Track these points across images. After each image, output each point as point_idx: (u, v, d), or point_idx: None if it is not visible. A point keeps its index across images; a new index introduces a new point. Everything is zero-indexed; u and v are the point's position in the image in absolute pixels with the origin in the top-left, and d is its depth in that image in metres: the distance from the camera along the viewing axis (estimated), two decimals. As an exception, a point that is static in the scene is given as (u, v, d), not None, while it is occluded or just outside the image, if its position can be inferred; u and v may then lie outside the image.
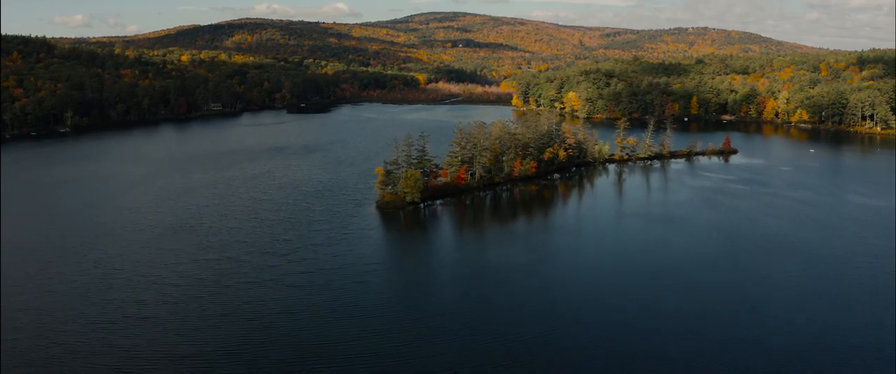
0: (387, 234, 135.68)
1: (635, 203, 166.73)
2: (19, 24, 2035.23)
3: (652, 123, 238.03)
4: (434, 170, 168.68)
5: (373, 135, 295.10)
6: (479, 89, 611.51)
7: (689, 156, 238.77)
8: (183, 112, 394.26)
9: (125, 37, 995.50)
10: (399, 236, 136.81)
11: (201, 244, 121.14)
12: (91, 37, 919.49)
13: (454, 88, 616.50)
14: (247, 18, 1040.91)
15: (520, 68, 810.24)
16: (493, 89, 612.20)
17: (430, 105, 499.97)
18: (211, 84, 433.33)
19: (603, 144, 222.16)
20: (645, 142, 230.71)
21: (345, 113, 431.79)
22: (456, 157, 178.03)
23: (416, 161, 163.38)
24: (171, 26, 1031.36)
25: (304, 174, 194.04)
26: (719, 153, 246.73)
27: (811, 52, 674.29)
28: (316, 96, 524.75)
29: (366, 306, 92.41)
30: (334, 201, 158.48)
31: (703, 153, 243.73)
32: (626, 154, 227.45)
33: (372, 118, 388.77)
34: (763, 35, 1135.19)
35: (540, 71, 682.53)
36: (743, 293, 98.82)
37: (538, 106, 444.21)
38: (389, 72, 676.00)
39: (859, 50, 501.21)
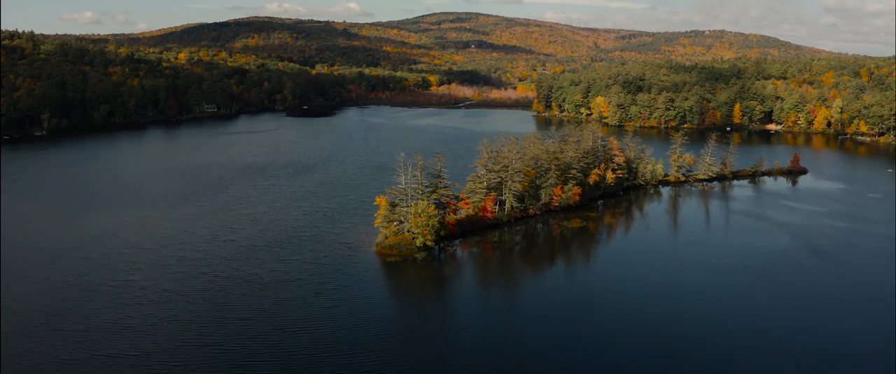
0: (389, 302, 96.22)
1: (717, 251, 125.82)
2: (27, 21, 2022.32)
3: (713, 137, 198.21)
4: (453, 202, 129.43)
5: (378, 146, 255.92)
6: (495, 93, 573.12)
7: (753, 177, 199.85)
8: (173, 114, 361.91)
9: (132, 34, 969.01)
10: (405, 307, 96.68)
11: (110, 325, 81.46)
12: (97, 34, 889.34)
13: (467, 91, 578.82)
14: (256, 17, 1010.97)
15: (535, 71, 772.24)
16: (510, 93, 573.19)
17: (442, 109, 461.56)
18: (205, 84, 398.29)
19: (656, 163, 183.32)
20: (705, 161, 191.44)
21: (349, 117, 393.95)
22: (481, 182, 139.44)
23: (429, 190, 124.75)
24: (179, 24, 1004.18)
25: (287, 202, 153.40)
26: (787, 173, 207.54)
27: (832, 57, 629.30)
28: (319, 98, 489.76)
29: None
30: (320, 243, 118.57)
31: (769, 173, 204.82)
32: (683, 175, 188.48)
33: (379, 124, 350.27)
34: (781, 39, 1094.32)
35: (555, 73, 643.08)
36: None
37: (561, 111, 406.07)
38: (399, 73, 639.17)
39: (880, 56, 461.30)
